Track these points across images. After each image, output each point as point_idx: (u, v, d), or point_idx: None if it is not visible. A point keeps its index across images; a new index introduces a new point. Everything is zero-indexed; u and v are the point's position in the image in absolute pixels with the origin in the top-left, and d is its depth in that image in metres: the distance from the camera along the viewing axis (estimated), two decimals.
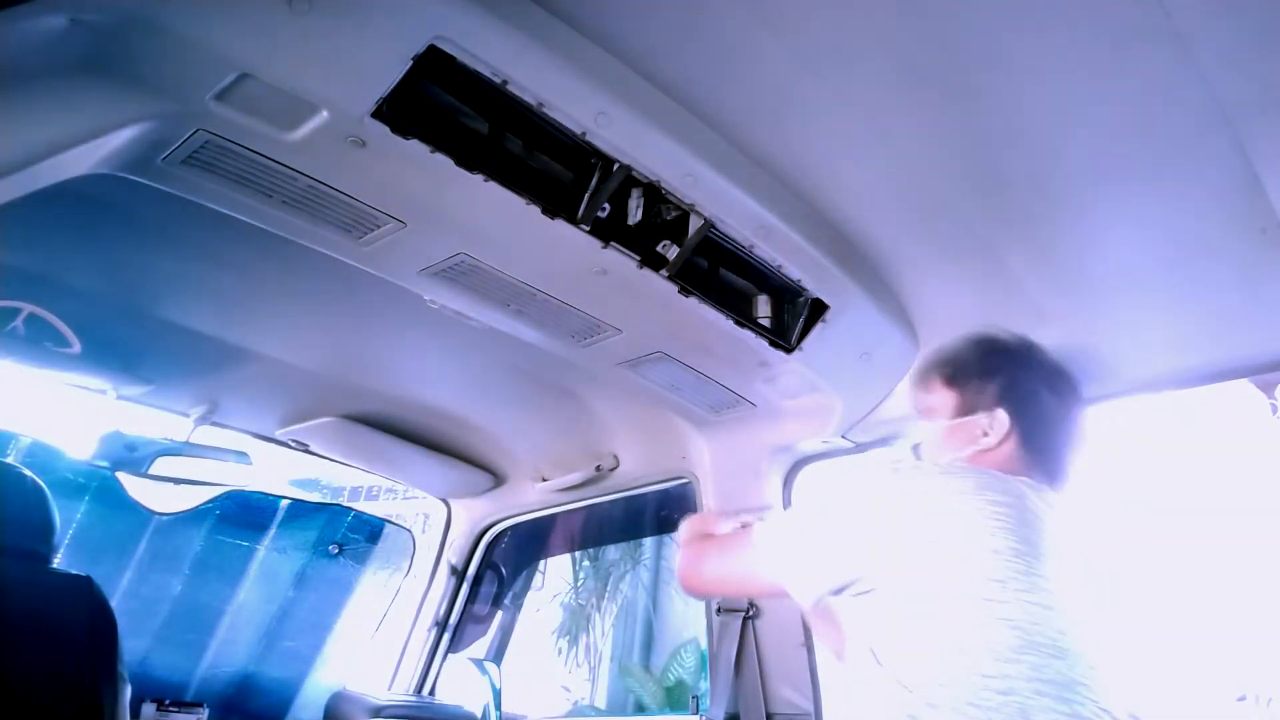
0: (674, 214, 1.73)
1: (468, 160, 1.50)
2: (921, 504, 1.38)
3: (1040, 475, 1.50)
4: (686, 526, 1.88)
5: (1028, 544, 1.33)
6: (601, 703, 9.67)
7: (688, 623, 9.42)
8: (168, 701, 2.64)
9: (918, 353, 2.15)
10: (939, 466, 1.56)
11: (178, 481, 2.69)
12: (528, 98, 1.45)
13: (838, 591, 1.41)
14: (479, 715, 2.74)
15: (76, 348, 2.19)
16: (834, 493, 1.52)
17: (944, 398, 1.63)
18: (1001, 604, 1.28)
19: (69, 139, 1.28)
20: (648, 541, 9.60)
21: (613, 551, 9.68)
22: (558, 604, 9.69)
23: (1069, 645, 1.28)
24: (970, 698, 1.23)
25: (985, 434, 1.54)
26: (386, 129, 1.41)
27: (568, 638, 9.80)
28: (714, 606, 2.53)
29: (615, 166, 1.59)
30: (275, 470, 3.23)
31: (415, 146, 1.45)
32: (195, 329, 2.32)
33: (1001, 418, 1.54)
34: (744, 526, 1.76)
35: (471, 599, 3.37)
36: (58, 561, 1.96)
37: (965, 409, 1.59)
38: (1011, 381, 1.58)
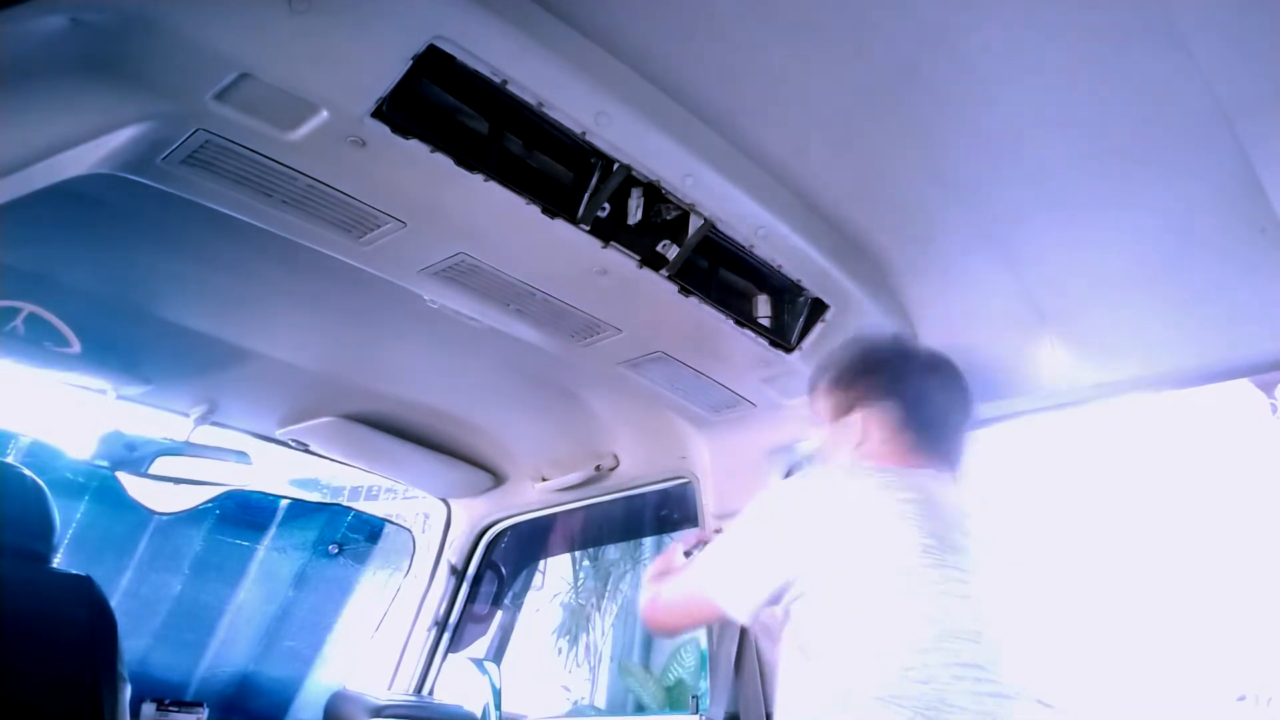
0: (674, 214, 1.73)
1: (468, 160, 1.50)
2: (830, 507, 1.43)
3: (940, 462, 1.56)
4: (651, 568, 1.93)
5: (936, 536, 1.38)
6: (601, 702, 9.67)
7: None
8: (168, 701, 2.64)
9: None
10: (842, 469, 1.59)
11: (178, 481, 2.69)
12: (528, 97, 1.45)
13: (774, 601, 1.44)
14: (479, 715, 2.74)
15: (76, 347, 2.19)
16: (751, 507, 1.55)
17: (826, 402, 1.69)
18: (914, 598, 1.33)
19: (69, 139, 1.28)
20: (648, 541, 9.59)
21: (612, 551, 9.68)
22: (557, 604, 9.69)
23: (984, 630, 1.34)
24: (893, 690, 1.28)
25: (862, 434, 1.60)
26: (386, 129, 1.41)
27: (568, 637, 9.80)
28: None
29: (615, 166, 1.59)
30: (275, 470, 3.23)
31: (415, 146, 1.45)
32: (195, 329, 2.32)
33: (873, 414, 1.60)
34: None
35: (471, 599, 3.37)
36: (58, 561, 1.96)
37: (844, 410, 1.64)
38: (887, 377, 1.63)
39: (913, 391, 1.61)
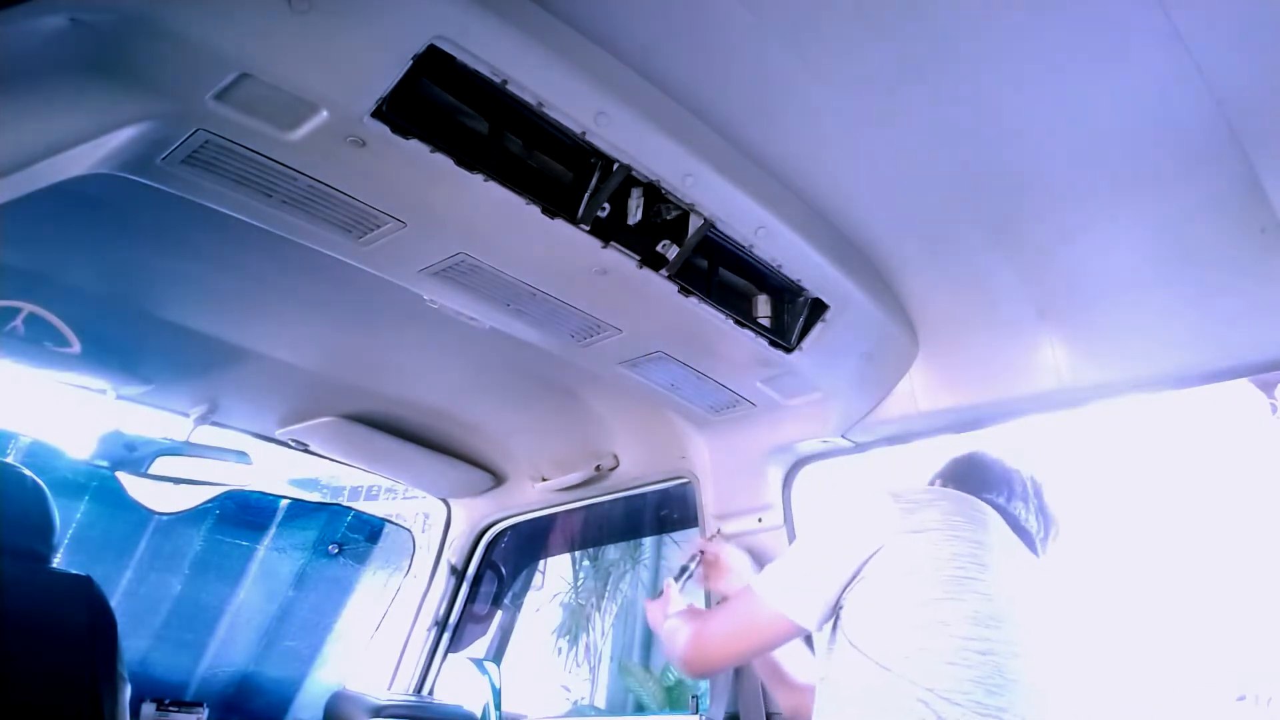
0: (674, 214, 1.73)
1: (468, 160, 1.50)
2: (896, 510, 1.53)
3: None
4: (654, 613, 2.01)
5: (986, 546, 1.50)
6: (601, 702, 9.67)
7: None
8: (167, 701, 2.64)
9: (917, 352, 2.16)
10: (906, 487, 1.71)
11: (178, 481, 2.69)
12: (527, 97, 1.45)
13: (834, 608, 1.52)
14: (479, 715, 2.74)
15: (76, 347, 2.18)
16: (814, 525, 1.68)
17: None
18: (975, 580, 1.44)
19: (69, 139, 1.28)
20: (648, 541, 9.60)
21: (612, 551, 9.68)
22: (557, 604, 9.69)
23: (1028, 635, 1.47)
24: (950, 658, 1.38)
25: None
26: (386, 129, 1.40)
27: (568, 638, 9.80)
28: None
29: (615, 166, 1.59)
30: (275, 470, 3.23)
31: (415, 146, 1.45)
32: (195, 329, 2.32)
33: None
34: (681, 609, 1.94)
35: (471, 599, 3.37)
36: (58, 561, 1.96)
37: None
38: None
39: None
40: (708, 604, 2.37)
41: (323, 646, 3.16)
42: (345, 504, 4.15)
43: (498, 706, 2.73)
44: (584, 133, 1.52)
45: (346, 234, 1.69)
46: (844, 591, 1.50)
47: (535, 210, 1.60)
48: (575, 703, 9.48)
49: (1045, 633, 1.52)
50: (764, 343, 2.02)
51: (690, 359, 2.15)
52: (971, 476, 1.76)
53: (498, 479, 3.21)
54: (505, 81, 1.41)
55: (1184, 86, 1.39)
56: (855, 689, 1.44)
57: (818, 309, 2.01)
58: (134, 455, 2.59)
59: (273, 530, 3.06)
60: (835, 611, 1.53)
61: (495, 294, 1.90)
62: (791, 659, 1.96)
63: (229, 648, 2.97)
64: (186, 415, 2.70)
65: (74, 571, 1.90)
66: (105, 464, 2.62)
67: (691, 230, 1.74)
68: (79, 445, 2.61)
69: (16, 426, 2.60)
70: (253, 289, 2.21)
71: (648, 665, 9.67)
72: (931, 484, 1.82)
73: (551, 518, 3.36)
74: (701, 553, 2.26)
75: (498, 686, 2.78)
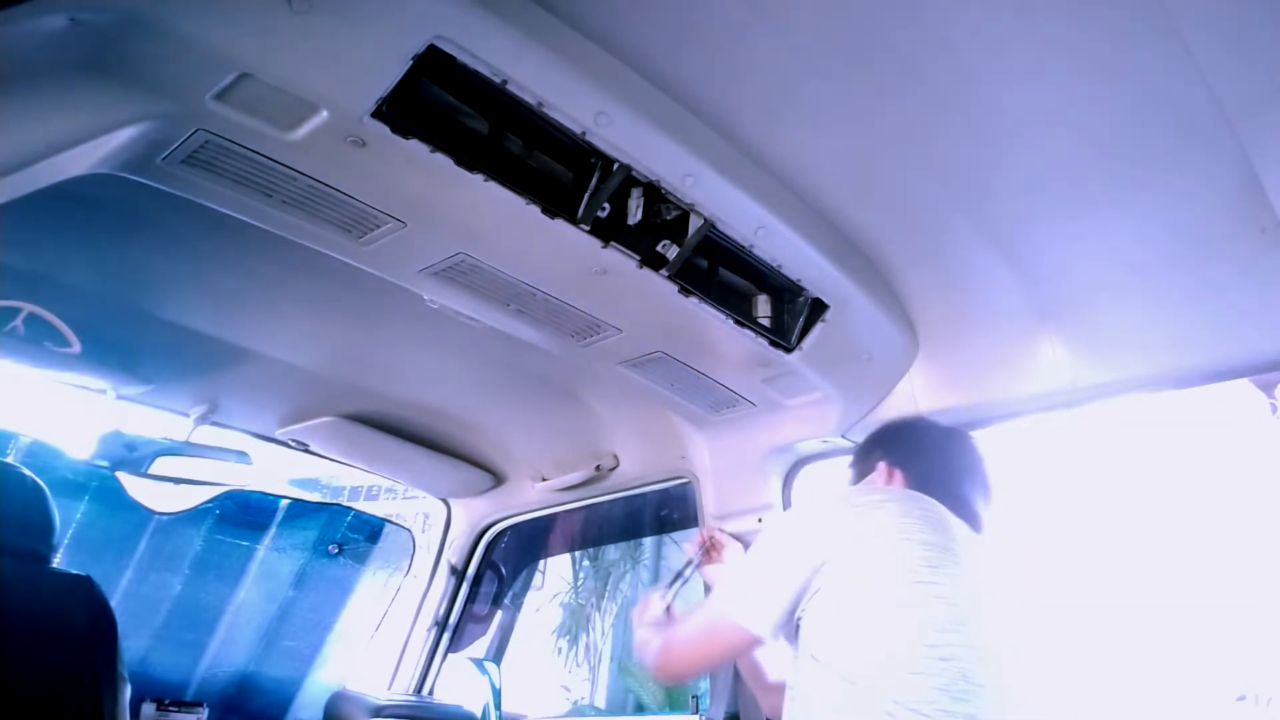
0: (674, 214, 1.73)
1: (468, 160, 1.50)
2: (847, 515, 1.52)
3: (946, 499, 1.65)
4: (637, 625, 1.98)
5: (942, 548, 1.46)
6: (601, 702, 9.67)
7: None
8: (167, 701, 2.64)
9: (917, 352, 2.16)
10: (857, 489, 1.75)
11: (178, 481, 2.69)
12: (527, 97, 1.45)
13: (792, 612, 1.48)
14: (479, 715, 2.74)
15: (76, 347, 2.18)
16: (762, 535, 1.65)
17: (853, 471, 1.86)
18: (934, 584, 1.40)
19: (69, 139, 1.28)
20: (647, 541, 9.59)
21: (612, 551, 9.67)
22: (557, 604, 9.68)
23: (997, 619, 1.46)
24: (914, 666, 1.34)
25: (887, 479, 1.75)
26: (386, 129, 1.40)
27: (568, 637, 9.79)
28: None
29: (615, 166, 1.59)
30: (275, 470, 3.23)
31: (415, 146, 1.45)
32: (195, 329, 2.32)
33: (881, 467, 1.76)
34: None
35: (471, 599, 3.37)
36: (58, 561, 1.96)
37: (869, 470, 1.80)
38: (889, 448, 1.80)
39: (919, 456, 1.75)
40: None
41: (323, 646, 3.16)
42: (345, 504, 4.15)
43: (498, 706, 2.73)
44: (584, 133, 1.52)
45: (346, 234, 1.69)
46: (800, 602, 1.47)
47: (535, 210, 1.60)
48: (575, 703, 9.47)
49: (1010, 632, 1.49)
50: (764, 343, 2.02)
51: (690, 359, 2.15)
52: (911, 441, 1.79)
53: (498, 479, 3.21)
54: (505, 81, 1.41)
55: (1184, 86, 1.39)
56: (820, 703, 1.41)
57: (818, 309, 2.01)
58: (134, 455, 2.59)
59: (273, 530, 3.06)
60: (794, 622, 1.49)
61: (495, 294, 1.90)
62: (771, 659, 1.95)
63: (229, 648, 2.97)
64: (186, 415, 2.70)
65: (74, 571, 1.90)
66: (105, 464, 2.62)
67: (691, 230, 1.74)
68: (79, 445, 2.61)
69: (16, 426, 2.60)
70: (253, 289, 2.21)
71: None
72: (871, 453, 1.81)
73: (551, 518, 3.36)
74: (702, 546, 2.29)
75: (498, 686, 2.78)
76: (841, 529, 1.49)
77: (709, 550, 2.30)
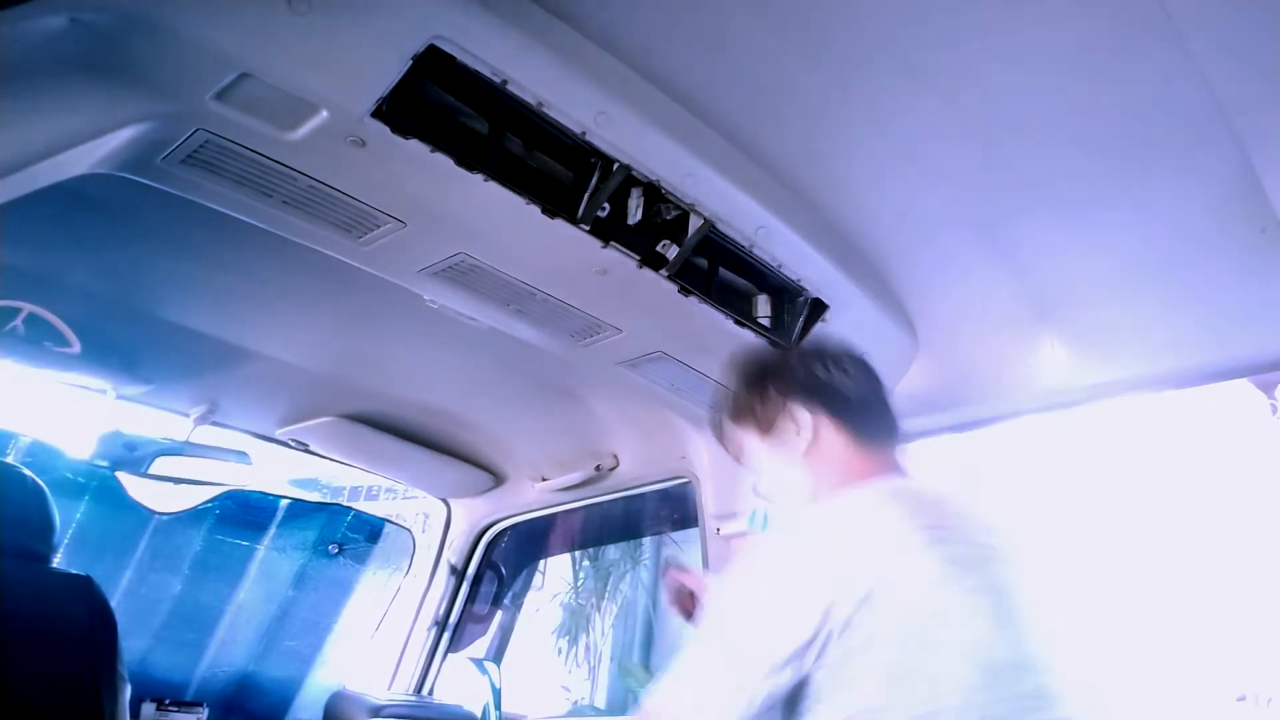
0: (674, 213, 1.73)
1: (467, 160, 1.50)
2: (838, 552, 1.17)
3: (893, 460, 1.38)
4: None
5: (952, 562, 1.17)
6: (601, 703, 9.67)
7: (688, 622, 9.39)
8: (167, 701, 2.64)
9: (917, 352, 2.16)
10: (827, 509, 1.27)
11: (178, 481, 2.69)
12: (527, 97, 1.45)
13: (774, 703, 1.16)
14: (479, 715, 2.74)
15: (76, 347, 2.18)
16: (722, 595, 1.27)
17: (743, 429, 1.48)
18: (951, 629, 1.13)
19: (69, 139, 1.28)
20: (647, 541, 9.59)
21: (612, 551, 9.67)
22: (557, 604, 9.68)
23: (1035, 653, 1.18)
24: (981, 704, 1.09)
25: (798, 431, 1.39)
26: (386, 129, 1.40)
27: (568, 638, 9.79)
28: None
29: (615, 166, 1.59)
30: (275, 470, 3.23)
31: (415, 146, 1.45)
32: (195, 329, 2.32)
33: (798, 410, 1.39)
34: None
35: (471, 599, 3.37)
36: (57, 561, 1.96)
37: (767, 425, 1.43)
38: (792, 380, 1.43)
39: (831, 388, 1.40)
40: None
41: (322, 646, 3.16)
42: (345, 504, 4.15)
43: (498, 706, 2.73)
44: (584, 132, 1.52)
45: (346, 234, 1.69)
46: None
47: (535, 210, 1.60)
48: (575, 703, 9.47)
49: (1068, 624, 1.29)
50: (764, 343, 2.02)
51: (690, 359, 2.15)
52: (837, 373, 1.41)
53: (498, 479, 3.21)
54: (505, 81, 1.41)
55: (1184, 86, 1.39)
56: None
57: (817, 309, 2.01)
58: (134, 455, 2.59)
59: (273, 530, 3.07)
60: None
61: (495, 294, 1.90)
62: None
63: (229, 648, 2.97)
64: (186, 415, 2.70)
65: (74, 571, 1.90)
66: (105, 464, 2.62)
67: (691, 230, 1.74)
68: (79, 445, 2.61)
69: (16, 426, 2.60)
70: (253, 289, 2.21)
71: (648, 665, 9.66)
72: (768, 392, 1.43)
73: (551, 518, 3.36)
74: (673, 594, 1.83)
75: (498, 686, 2.78)
76: (838, 575, 1.14)
77: (679, 600, 1.77)
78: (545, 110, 1.47)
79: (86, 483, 2.71)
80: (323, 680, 3.11)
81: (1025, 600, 1.23)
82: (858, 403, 1.40)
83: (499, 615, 3.47)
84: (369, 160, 1.47)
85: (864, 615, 1.11)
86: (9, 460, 2.36)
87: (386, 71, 1.33)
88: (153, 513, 2.81)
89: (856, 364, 1.45)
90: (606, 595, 9.89)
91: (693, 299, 1.87)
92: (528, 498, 3.20)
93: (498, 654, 3.45)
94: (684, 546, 4.35)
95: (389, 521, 3.39)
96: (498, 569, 3.45)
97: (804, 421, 1.39)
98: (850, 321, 2.02)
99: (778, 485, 1.45)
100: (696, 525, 2.60)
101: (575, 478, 2.94)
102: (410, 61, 1.32)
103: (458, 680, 3.01)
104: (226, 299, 2.25)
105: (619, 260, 1.74)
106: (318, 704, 2.92)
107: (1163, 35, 1.30)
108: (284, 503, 3.10)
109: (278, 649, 3.06)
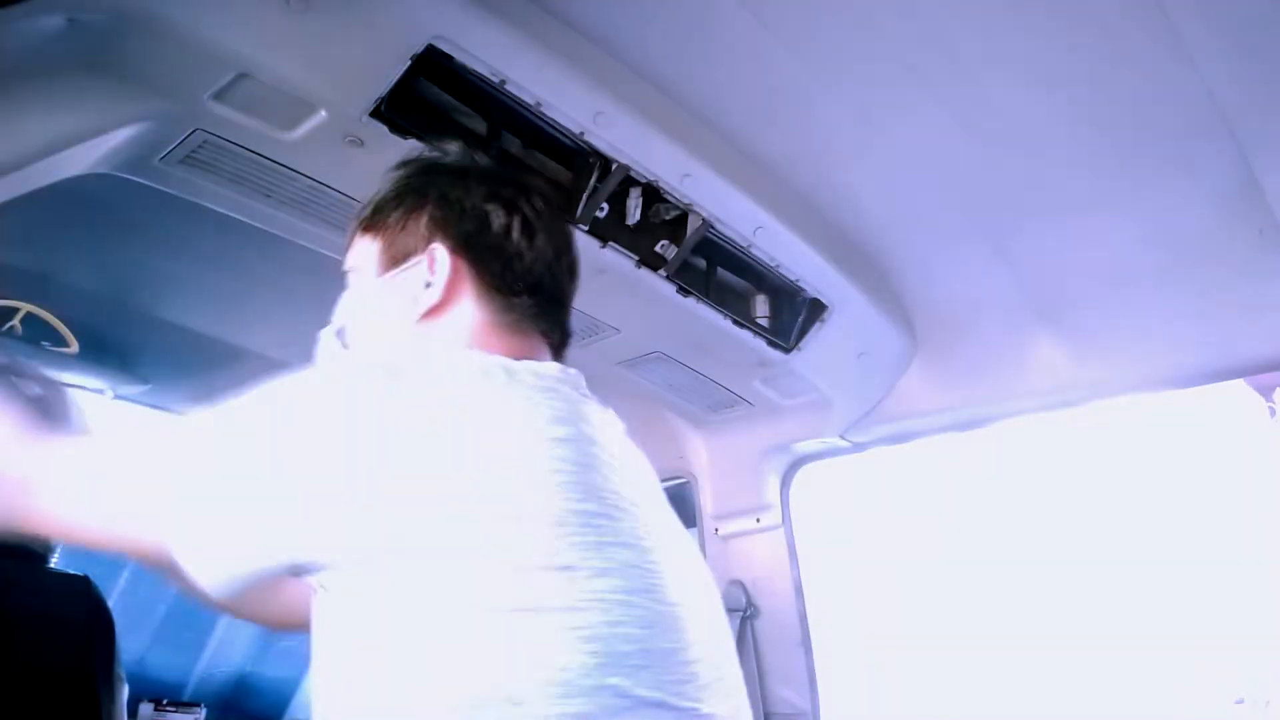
0: (672, 214, 1.73)
1: None
2: (408, 443, 0.82)
3: (549, 334, 1.09)
4: None
5: (597, 496, 0.83)
6: None
7: None
8: (165, 701, 2.64)
9: (916, 352, 2.16)
10: (430, 362, 0.92)
11: None
12: (526, 97, 1.44)
13: (277, 574, 0.88)
14: None
15: (74, 347, 2.18)
16: (258, 413, 0.98)
17: (365, 249, 1.11)
18: (570, 612, 0.76)
19: (67, 138, 1.28)
20: None
21: None
22: None
23: (676, 633, 0.84)
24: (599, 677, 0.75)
25: (428, 283, 1.02)
26: (385, 128, 1.40)
27: None
28: None
29: (613, 166, 1.59)
30: None
31: (414, 146, 1.44)
32: (194, 329, 2.31)
33: (442, 253, 1.01)
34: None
35: None
36: (55, 560, 1.96)
37: (395, 257, 1.06)
38: (443, 201, 1.04)
39: (488, 225, 1.03)
40: None
41: None
42: None
43: None
44: (582, 133, 1.52)
45: (345, 234, 1.69)
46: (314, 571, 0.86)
47: None
48: None
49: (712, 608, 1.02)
50: (762, 343, 2.02)
51: (688, 359, 2.15)
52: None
53: None
54: (504, 81, 1.41)
55: (1184, 86, 1.39)
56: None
57: (816, 309, 2.01)
58: None
59: None
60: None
61: None
62: None
63: (227, 647, 2.97)
64: (185, 415, 2.70)
65: (72, 571, 1.90)
66: None
67: (690, 230, 1.74)
68: None
69: None
70: (252, 289, 2.20)
71: None
72: (409, 206, 1.06)
73: None
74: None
75: None
76: (387, 480, 0.81)
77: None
78: (544, 110, 1.47)
79: None
80: None
81: (669, 554, 0.93)
82: (526, 274, 1.03)
83: None
84: (367, 160, 1.47)
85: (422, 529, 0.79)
86: None
87: (385, 71, 1.33)
88: None
89: (551, 224, 1.07)
90: None
91: (691, 299, 1.87)
92: None
93: None
94: None
95: None
96: None
97: (441, 272, 1.01)
98: (848, 321, 2.02)
99: (364, 345, 1.10)
100: (694, 525, 2.60)
101: None
102: (409, 61, 1.32)
103: None
104: (225, 299, 2.25)
105: (617, 260, 1.74)
106: None
107: (1164, 36, 1.30)
108: None
109: (276, 649, 3.06)
